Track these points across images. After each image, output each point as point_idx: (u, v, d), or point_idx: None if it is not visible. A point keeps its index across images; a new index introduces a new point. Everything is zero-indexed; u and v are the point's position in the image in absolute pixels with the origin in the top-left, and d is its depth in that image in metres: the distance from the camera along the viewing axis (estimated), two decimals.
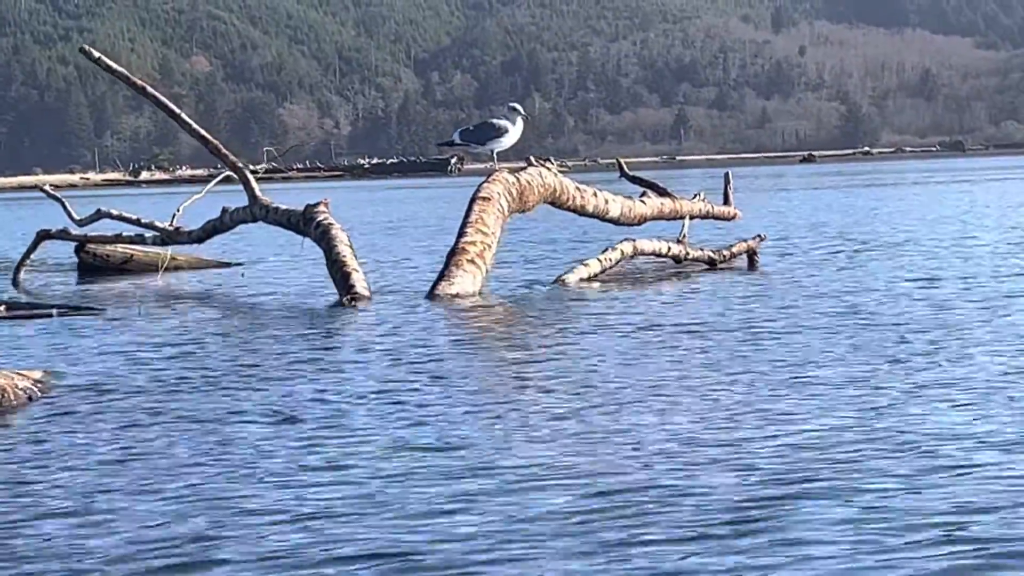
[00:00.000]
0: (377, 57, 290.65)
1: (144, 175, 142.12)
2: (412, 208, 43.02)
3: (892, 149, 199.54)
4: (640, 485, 5.56)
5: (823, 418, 6.83)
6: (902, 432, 6.43)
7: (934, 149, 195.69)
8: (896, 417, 6.81)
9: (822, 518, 4.98)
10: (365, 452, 6.44)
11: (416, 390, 8.09)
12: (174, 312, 13.25)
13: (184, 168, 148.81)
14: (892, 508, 5.08)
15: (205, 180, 16.51)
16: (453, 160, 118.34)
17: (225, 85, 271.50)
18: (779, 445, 6.24)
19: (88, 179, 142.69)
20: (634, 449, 6.29)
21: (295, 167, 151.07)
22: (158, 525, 5.18)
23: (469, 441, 6.59)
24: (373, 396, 7.93)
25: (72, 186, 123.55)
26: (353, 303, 13.18)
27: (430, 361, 9.24)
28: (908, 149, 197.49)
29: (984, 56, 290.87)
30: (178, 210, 18.09)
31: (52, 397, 8.19)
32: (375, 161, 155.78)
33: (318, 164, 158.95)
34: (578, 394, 7.79)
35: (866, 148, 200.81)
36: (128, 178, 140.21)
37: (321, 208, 15.16)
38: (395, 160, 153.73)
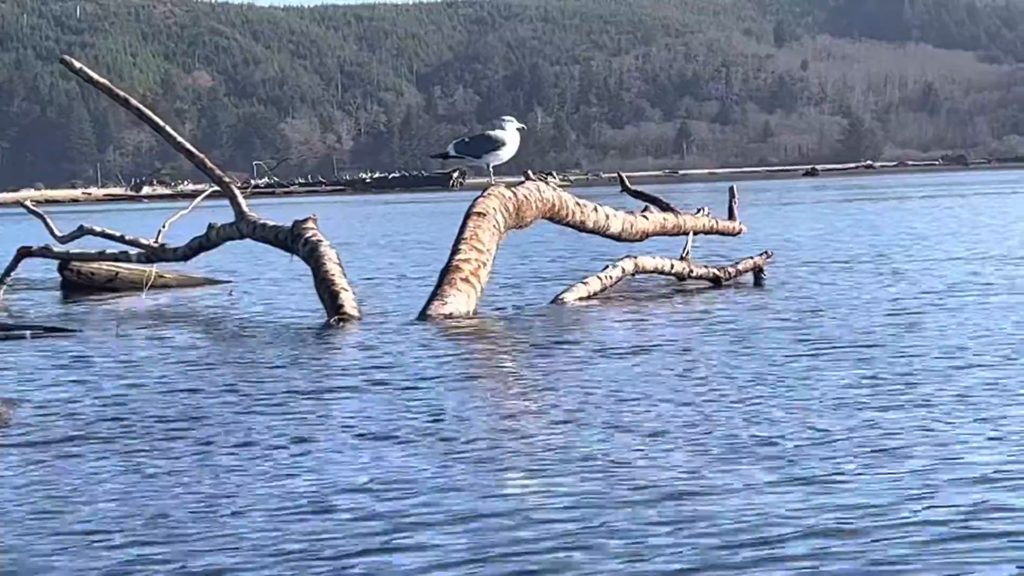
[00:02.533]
0: (379, 72, 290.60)
1: (146, 190, 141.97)
2: (411, 223, 42.46)
3: (895, 163, 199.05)
4: (637, 518, 5.12)
5: (834, 457, 6.27)
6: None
7: (937, 163, 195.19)
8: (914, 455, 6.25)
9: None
10: (345, 485, 5.98)
11: (403, 418, 7.56)
12: (153, 334, 12.64)
13: (186, 183, 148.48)
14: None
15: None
16: (455, 175, 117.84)
17: (227, 100, 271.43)
18: (782, 472, 5.71)
19: (90, 194, 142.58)
20: (631, 483, 5.82)
21: (297, 182, 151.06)
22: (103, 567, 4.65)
23: (457, 473, 6.13)
24: (357, 424, 7.39)
25: (74, 201, 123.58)
26: (341, 324, 12.59)
27: (419, 387, 8.70)
28: (911, 163, 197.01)
29: (987, 70, 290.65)
30: (164, 226, 17.49)
31: (5, 429, 7.61)
32: (377, 176, 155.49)
33: (320, 179, 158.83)
34: (576, 422, 7.30)
35: (869, 162, 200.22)
36: (130, 193, 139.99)
37: (309, 224, 14.54)
38: (397, 175, 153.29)
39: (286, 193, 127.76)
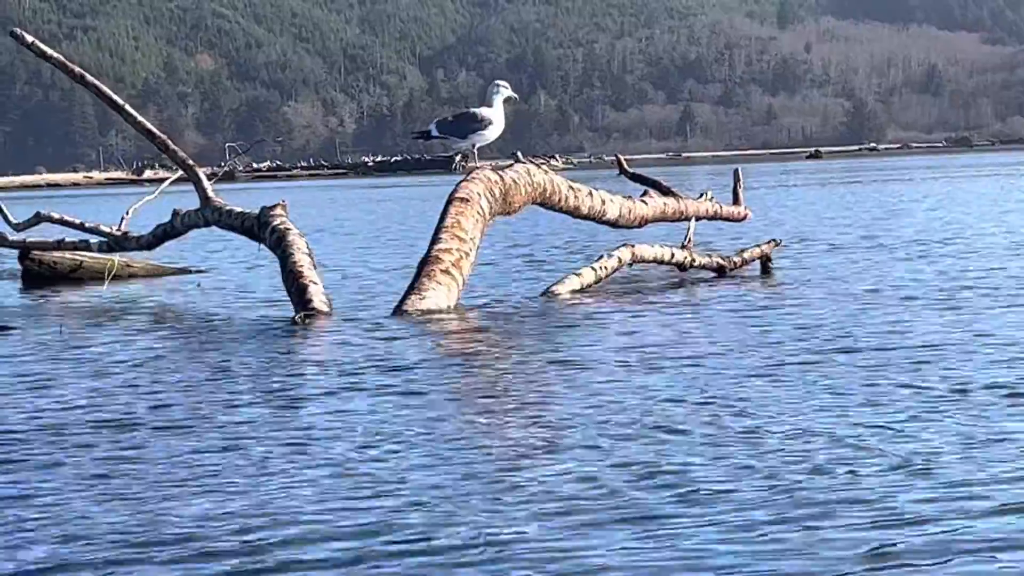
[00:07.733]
0: (382, 55, 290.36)
1: (147, 174, 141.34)
2: (406, 208, 41.37)
3: (898, 145, 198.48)
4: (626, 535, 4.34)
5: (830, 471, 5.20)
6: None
7: (940, 145, 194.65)
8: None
9: None
10: (308, 508, 5.09)
11: (373, 428, 6.57)
12: (102, 330, 11.50)
13: None
14: None
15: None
16: (458, 158, 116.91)
17: (230, 83, 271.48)
18: (776, 485, 4.76)
19: (91, 178, 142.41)
20: (621, 498, 4.97)
21: (299, 165, 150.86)
22: None
23: (435, 491, 5.28)
24: (318, 439, 6.37)
25: (75, 185, 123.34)
26: (307, 320, 11.46)
27: (391, 392, 7.65)
28: (914, 145, 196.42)
29: (990, 51, 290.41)
30: (127, 212, 16.42)
31: None
32: (379, 159, 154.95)
33: (322, 162, 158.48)
34: (567, 431, 6.40)
35: (872, 144, 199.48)
36: (131, 177, 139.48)
37: (278, 211, 13.45)
38: (399, 158, 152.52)
39: (288, 177, 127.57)
